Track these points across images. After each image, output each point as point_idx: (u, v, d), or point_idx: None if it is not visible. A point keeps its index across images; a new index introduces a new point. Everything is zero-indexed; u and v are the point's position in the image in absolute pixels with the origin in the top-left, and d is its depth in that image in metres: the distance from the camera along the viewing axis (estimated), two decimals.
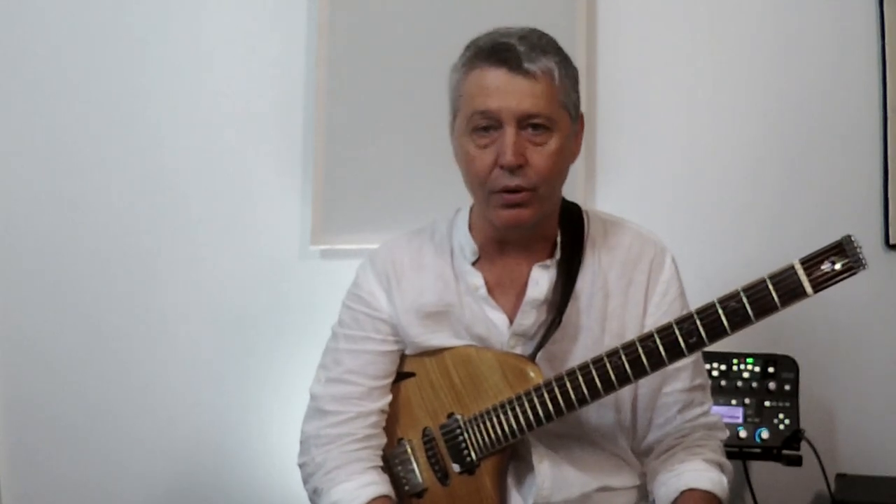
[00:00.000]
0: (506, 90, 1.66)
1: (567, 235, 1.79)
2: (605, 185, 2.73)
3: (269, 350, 2.82)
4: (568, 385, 1.66)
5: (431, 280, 1.81)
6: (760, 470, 2.59)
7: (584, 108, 2.80)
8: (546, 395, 1.68)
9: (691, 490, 1.73)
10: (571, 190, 1.89)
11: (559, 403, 1.67)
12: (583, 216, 1.82)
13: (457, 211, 1.87)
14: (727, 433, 1.89)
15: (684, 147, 2.73)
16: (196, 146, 2.84)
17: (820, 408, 2.59)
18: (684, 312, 1.76)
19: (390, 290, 1.83)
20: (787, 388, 2.42)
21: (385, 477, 1.81)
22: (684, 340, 1.61)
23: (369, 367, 1.83)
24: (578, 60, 2.81)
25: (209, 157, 2.85)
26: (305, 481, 1.89)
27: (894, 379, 2.65)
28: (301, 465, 1.90)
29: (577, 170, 2.70)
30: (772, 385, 2.42)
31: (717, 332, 1.60)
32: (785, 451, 2.41)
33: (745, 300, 1.57)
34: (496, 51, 1.68)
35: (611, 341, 1.75)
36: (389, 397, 1.84)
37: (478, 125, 1.68)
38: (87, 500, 2.86)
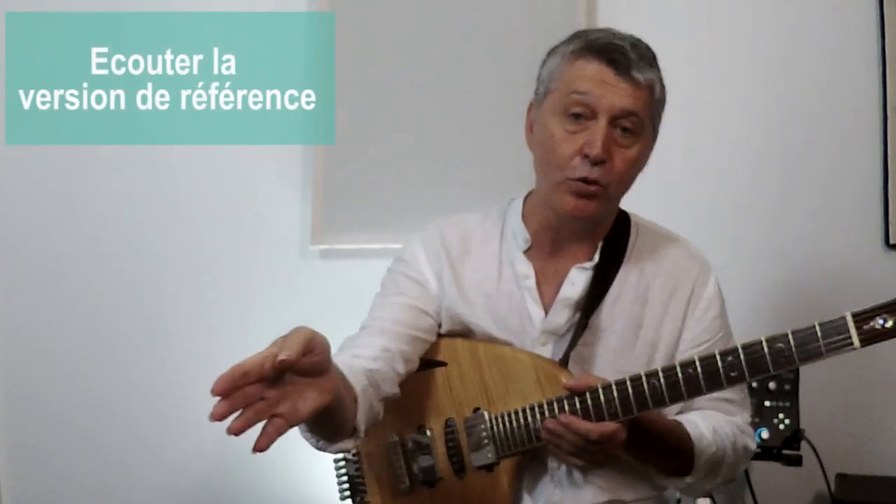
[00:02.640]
0: (610, 86, 1.67)
1: (609, 242, 1.79)
2: None
3: None
4: (602, 398, 1.64)
5: (472, 269, 1.80)
6: (760, 470, 2.59)
7: None
8: (578, 405, 1.66)
9: (678, 423, 1.72)
10: None
11: (590, 415, 1.65)
12: (630, 225, 1.83)
13: (510, 200, 1.87)
14: (753, 447, 1.85)
15: (684, 147, 2.73)
16: (196, 146, 2.84)
17: (820, 408, 2.60)
18: (722, 333, 1.78)
19: (440, 268, 1.81)
20: (787, 388, 2.42)
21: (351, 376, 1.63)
22: (725, 373, 1.60)
23: (393, 313, 1.78)
24: None
25: (209, 157, 2.85)
26: None
27: (893, 379, 2.65)
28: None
29: None
30: (772, 385, 2.42)
31: (759, 370, 1.60)
32: (785, 451, 2.41)
33: (791, 343, 1.57)
34: (609, 50, 1.68)
35: (642, 349, 1.76)
36: (407, 348, 1.75)
37: (572, 109, 1.68)
38: (86, 498, 2.86)
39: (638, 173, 1.76)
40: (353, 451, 1.86)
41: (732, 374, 1.60)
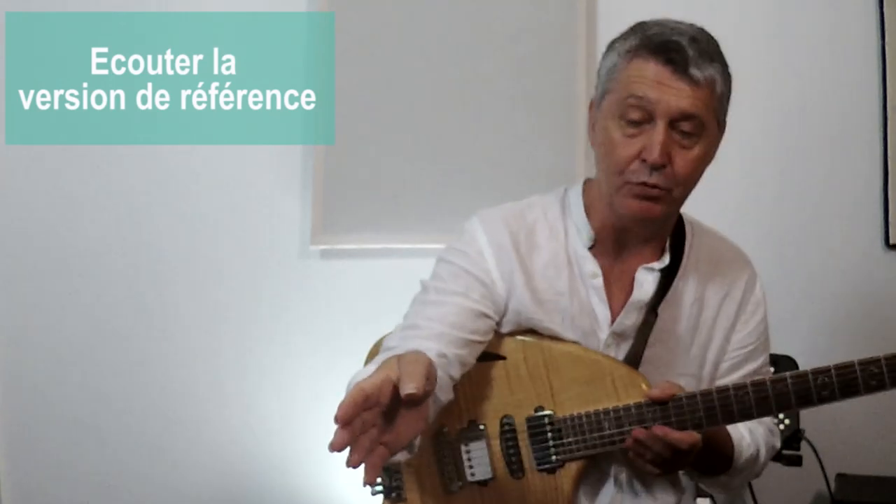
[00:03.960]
0: (667, 86, 1.61)
1: (673, 242, 1.76)
2: None
3: (268, 349, 2.82)
4: (686, 407, 1.63)
5: (542, 265, 1.73)
6: None
7: (583, 107, 2.84)
8: (660, 413, 1.63)
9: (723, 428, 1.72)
10: None
11: (671, 423, 1.63)
12: (684, 223, 1.80)
13: (565, 189, 1.79)
14: (779, 446, 1.88)
15: None
16: (196, 146, 2.84)
17: (820, 408, 2.59)
18: (763, 339, 1.79)
19: (511, 267, 1.72)
20: None
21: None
22: (817, 391, 1.61)
23: (450, 316, 1.66)
24: (578, 60, 2.85)
25: (209, 157, 2.85)
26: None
27: None
28: None
29: (577, 169, 2.71)
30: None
31: (851, 391, 1.60)
32: (785, 451, 2.41)
33: (884, 367, 1.58)
34: (666, 48, 1.62)
35: (697, 351, 1.74)
36: (463, 353, 1.65)
37: (629, 114, 1.63)
38: (86, 495, 2.86)
39: (704, 170, 1.70)
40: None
41: (824, 392, 1.61)
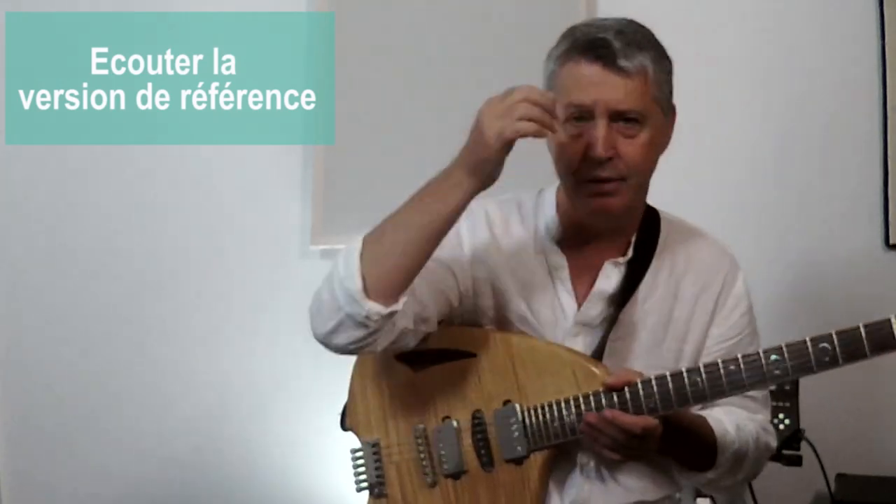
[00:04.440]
0: (600, 84, 1.66)
1: (641, 237, 1.80)
2: None
3: (269, 350, 2.82)
4: (641, 393, 1.65)
5: (508, 255, 1.80)
6: None
7: None
8: (616, 399, 1.66)
9: (703, 418, 1.74)
10: None
11: (628, 409, 1.65)
12: (660, 220, 1.83)
13: (540, 190, 1.86)
14: (774, 446, 1.87)
15: (683, 147, 2.72)
16: (196, 146, 2.85)
17: (820, 408, 2.60)
18: (748, 331, 1.80)
19: (483, 239, 1.80)
20: (787, 387, 2.42)
21: None
22: (769, 370, 1.62)
23: None
24: None
25: (209, 157, 2.85)
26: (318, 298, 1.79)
27: (894, 379, 2.65)
28: (311, 308, 1.80)
29: None
30: (772, 385, 2.41)
31: (803, 369, 1.61)
32: (785, 451, 2.41)
33: (836, 343, 1.59)
34: (592, 46, 1.68)
35: (671, 344, 1.77)
36: (424, 290, 1.71)
37: (570, 116, 1.69)
38: (87, 493, 2.87)
39: (657, 155, 1.74)
40: (371, 441, 1.84)
41: (776, 371, 1.62)
